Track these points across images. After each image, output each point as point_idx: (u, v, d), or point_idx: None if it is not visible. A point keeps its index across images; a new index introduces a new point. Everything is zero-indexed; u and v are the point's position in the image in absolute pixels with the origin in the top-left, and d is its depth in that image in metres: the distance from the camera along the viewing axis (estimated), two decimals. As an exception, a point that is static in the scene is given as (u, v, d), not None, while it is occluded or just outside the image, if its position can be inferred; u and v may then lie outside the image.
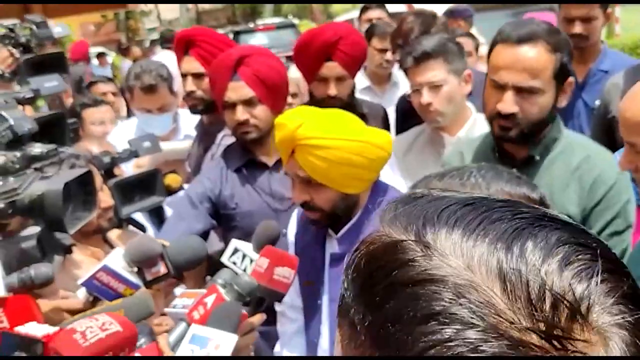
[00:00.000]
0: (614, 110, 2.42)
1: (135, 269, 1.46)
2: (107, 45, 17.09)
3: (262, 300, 1.51)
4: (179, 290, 2.21)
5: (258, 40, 11.62)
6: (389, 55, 3.41)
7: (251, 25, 14.25)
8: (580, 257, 0.39)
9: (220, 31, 5.47)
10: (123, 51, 12.71)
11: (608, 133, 2.39)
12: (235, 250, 1.58)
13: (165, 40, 7.84)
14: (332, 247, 1.79)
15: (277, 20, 17.31)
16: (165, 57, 3.77)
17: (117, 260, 1.41)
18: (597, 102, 2.62)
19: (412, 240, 0.41)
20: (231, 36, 10.00)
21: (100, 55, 11.79)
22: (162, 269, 1.50)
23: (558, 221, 0.42)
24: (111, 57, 12.80)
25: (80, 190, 1.32)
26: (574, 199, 1.72)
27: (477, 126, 2.29)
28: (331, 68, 2.48)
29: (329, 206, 1.72)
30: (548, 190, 1.74)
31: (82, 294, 1.43)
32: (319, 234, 1.82)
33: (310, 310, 1.81)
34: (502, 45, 1.73)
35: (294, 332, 1.90)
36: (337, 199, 1.71)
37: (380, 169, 1.74)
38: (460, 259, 0.39)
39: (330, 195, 1.70)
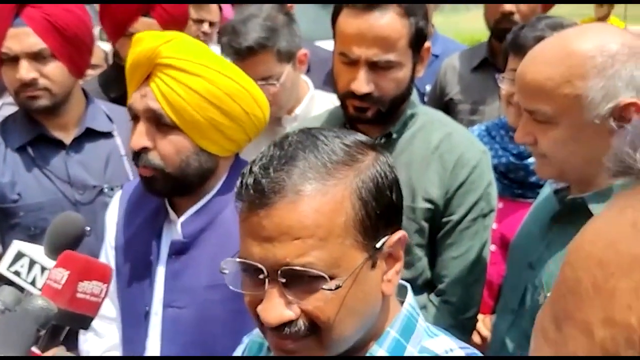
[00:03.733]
0: (451, 92, 2.38)
1: None
2: None
3: (58, 328, 1.09)
4: None
5: None
6: (206, 27, 3.04)
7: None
8: None
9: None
10: None
11: (445, 117, 2.36)
12: (19, 256, 1.16)
13: None
14: (173, 233, 1.36)
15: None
16: None
17: None
18: (428, 87, 2.56)
19: None
20: None
21: None
22: None
23: None
24: None
25: None
26: (435, 181, 1.57)
27: (315, 102, 2.10)
28: (148, 25, 2.08)
29: (175, 161, 1.27)
30: (407, 170, 1.56)
31: None
32: (156, 217, 1.38)
33: (133, 320, 1.37)
34: (348, 12, 1.48)
35: (103, 352, 1.45)
36: (189, 154, 1.27)
37: (252, 134, 1.35)
38: None
39: (181, 145, 1.26)
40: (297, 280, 0.75)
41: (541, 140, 1.17)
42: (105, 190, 1.74)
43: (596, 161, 1.17)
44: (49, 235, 1.18)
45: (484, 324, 1.84)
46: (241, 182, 0.78)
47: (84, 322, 1.12)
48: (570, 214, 1.24)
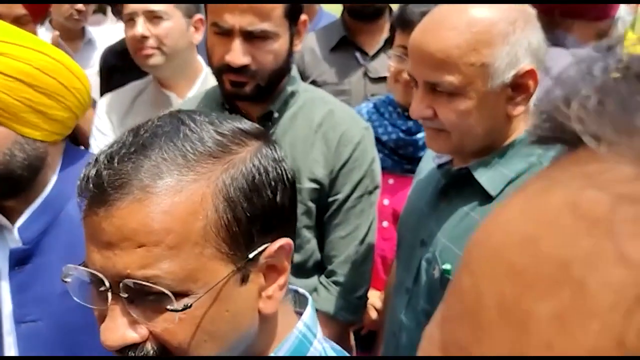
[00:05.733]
0: (312, 74, 2.31)
1: None
2: None
3: None
4: None
5: None
6: (80, 5, 2.82)
7: None
8: None
9: None
10: None
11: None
12: None
13: None
14: (9, 242, 1.18)
15: None
16: None
17: None
18: None
19: None
20: None
21: None
22: None
23: None
24: None
25: None
26: (320, 160, 1.51)
27: (209, 82, 1.94)
28: (9, 5, 1.92)
29: None
30: (291, 150, 1.49)
31: None
32: None
33: None
34: None
35: None
36: (10, 145, 1.09)
37: (78, 111, 1.17)
38: None
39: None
40: (142, 297, 0.62)
41: (443, 113, 1.12)
42: None
43: (493, 130, 1.15)
44: None
45: (379, 299, 1.83)
46: (83, 173, 0.65)
47: None
48: (457, 186, 1.21)
